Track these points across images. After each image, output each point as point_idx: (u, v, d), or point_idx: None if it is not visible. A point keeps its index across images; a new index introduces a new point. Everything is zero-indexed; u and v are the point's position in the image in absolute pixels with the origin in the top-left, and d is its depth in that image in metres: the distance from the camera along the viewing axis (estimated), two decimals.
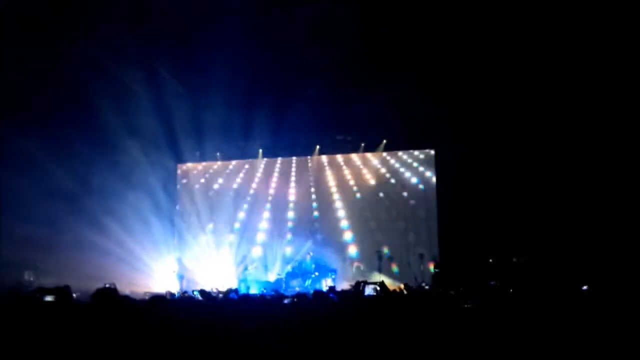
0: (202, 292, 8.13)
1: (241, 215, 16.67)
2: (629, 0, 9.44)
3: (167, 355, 4.57)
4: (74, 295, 5.79)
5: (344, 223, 15.93)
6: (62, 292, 5.54)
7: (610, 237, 10.66)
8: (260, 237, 16.19)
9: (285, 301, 7.24)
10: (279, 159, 16.75)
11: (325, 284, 13.65)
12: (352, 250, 15.56)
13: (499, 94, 12.15)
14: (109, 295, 5.33)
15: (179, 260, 15.04)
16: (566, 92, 11.57)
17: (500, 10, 9.77)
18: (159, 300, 6.20)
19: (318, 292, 7.53)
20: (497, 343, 5.48)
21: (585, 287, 7.92)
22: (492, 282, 9.67)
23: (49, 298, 5.27)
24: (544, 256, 11.10)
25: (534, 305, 6.81)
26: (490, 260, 11.48)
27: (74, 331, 4.46)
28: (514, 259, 11.52)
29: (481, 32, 10.28)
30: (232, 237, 16.31)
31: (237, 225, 16.52)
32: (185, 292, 9.35)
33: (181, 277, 14.48)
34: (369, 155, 16.20)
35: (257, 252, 15.86)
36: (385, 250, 14.98)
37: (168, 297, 11.56)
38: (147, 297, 10.56)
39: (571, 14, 9.82)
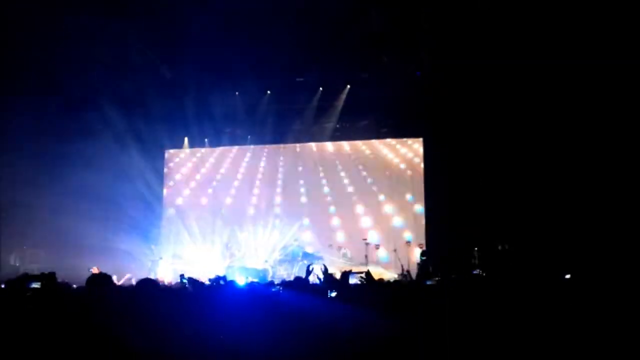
0: (190, 279, 8.15)
1: (228, 200, 16.65)
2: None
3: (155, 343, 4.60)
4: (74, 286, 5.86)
5: (332, 208, 16.00)
6: (48, 278, 5.56)
7: (595, 227, 10.81)
8: (247, 222, 16.20)
9: (273, 289, 7.29)
10: (267, 146, 16.72)
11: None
12: (340, 235, 15.64)
13: (488, 84, 12.21)
14: (104, 282, 5.35)
15: (152, 249, 14.96)
16: (552, 85, 11.66)
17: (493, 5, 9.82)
18: (146, 286, 6.22)
19: (299, 279, 7.59)
20: (481, 332, 5.58)
21: (568, 276, 8.06)
22: (475, 272, 9.78)
23: (35, 285, 5.29)
24: (529, 244, 11.24)
25: (517, 293, 6.92)
26: (476, 249, 11.60)
27: (68, 317, 4.48)
28: (499, 247, 11.65)
29: (471, 24, 10.32)
30: (219, 223, 16.31)
31: (223, 210, 16.52)
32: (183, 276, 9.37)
33: (154, 263, 14.46)
34: (357, 141, 16.23)
35: (244, 237, 15.86)
36: (373, 234, 15.08)
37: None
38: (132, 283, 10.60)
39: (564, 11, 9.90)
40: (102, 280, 5.33)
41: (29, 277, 5.56)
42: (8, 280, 5.68)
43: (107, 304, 4.82)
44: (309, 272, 9.33)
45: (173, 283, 11.80)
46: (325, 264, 13.43)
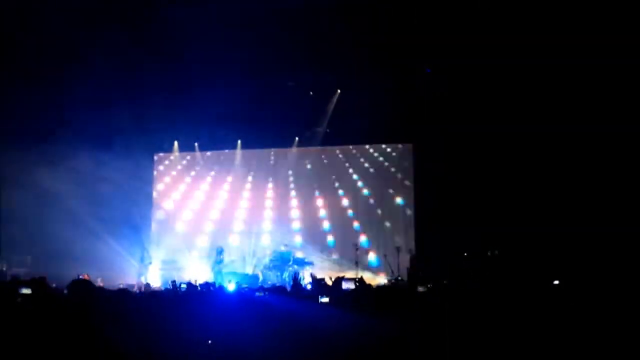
0: (188, 284, 8.20)
1: (219, 204, 16.60)
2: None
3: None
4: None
5: (322, 212, 16.00)
6: (39, 283, 5.52)
7: (583, 234, 10.91)
8: (238, 227, 16.16)
9: (257, 294, 7.30)
10: (257, 150, 16.72)
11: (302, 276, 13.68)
12: (330, 238, 15.64)
13: (478, 90, 12.31)
14: (85, 287, 5.34)
15: (142, 253, 14.83)
16: (540, 87, 11.78)
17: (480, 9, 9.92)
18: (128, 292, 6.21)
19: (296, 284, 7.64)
20: (472, 335, 5.63)
21: (556, 282, 8.15)
22: (464, 277, 9.84)
23: (25, 290, 5.23)
24: (518, 250, 11.32)
25: (506, 298, 6.99)
26: (465, 254, 11.67)
27: (52, 320, 4.46)
28: (488, 253, 11.72)
29: (459, 30, 10.42)
30: (208, 227, 16.25)
31: (213, 214, 16.46)
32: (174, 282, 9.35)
33: (144, 268, 14.36)
34: (348, 146, 16.26)
35: (234, 242, 15.80)
36: (363, 239, 15.10)
37: (142, 289, 11.53)
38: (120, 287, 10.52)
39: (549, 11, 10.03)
40: (84, 286, 5.32)
41: (19, 283, 5.51)
42: None
43: (101, 309, 4.81)
44: (297, 283, 9.35)
45: (163, 288, 11.74)
46: (315, 270, 13.53)
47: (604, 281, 7.45)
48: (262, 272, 14.24)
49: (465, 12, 10.48)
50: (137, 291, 11.11)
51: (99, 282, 11.31)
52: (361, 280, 6.07)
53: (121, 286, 11.33)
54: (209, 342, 5.25)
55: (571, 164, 11.79)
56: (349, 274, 11.18)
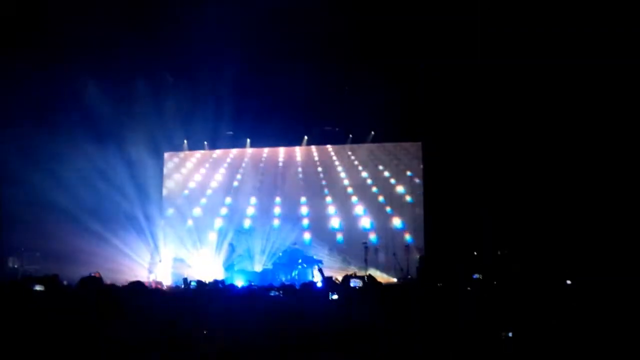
0: (198, 282, 8.25)
1: (227, 201, 16.66)
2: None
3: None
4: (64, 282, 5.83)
5: (331, 210, 16.01)
6: (52, 281, 5.56)
7: (595, 232, 10.85)
8: (247, 224, 16.19)
9: (272, 293, 7.32)
10: (266, 148, 16.76)
11: (312, 275, 13.69)
12: (339, 237, 15.65)
13: (486, 87, 12.27)
14: (95, 284, 5.38)
15: (153, 251, 14.88)
16: (550, 88, 11.73)
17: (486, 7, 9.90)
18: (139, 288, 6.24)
19: (307, 284, 7.66)
20: (482, 334, 5.61)
21: (569, 282, 8.10)
22: (475, 276, 9.83)
23: (38, 287, 5.28)
24: (529, 249, 11.27)
25: (518, 298, 6.97)
26: (475, 253, 11.63)
27: (63, 317, 4.50)
28: (499, 252, 11.69)
29: (467, 28, 10.40)
30: (218, 223, 16.30)
31: (223, 211, 16.51)
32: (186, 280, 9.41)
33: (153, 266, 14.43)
34: (357, 145, 16.27)
35: (243, 239, 15.81)
36: (372, 237, 15.08)
37: (153, 286, 11.61)
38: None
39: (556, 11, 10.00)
40: (93, 283, 5.36)
41: (32, 280, 5.57)
42: (11, 282, 5.67)
43: (110, 305, 4.85)
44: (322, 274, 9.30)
45: (173, 286, 11.82)
46: (324, 268, 13.52)
47: (617, 281, 7.40)
48: (271, 270, 14.26)
49: (469, 10, 10.45)
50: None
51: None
52: (370, 277, 6.08)
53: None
54: (205, 332, 5.27)
55: (581, 162, 11.73)
56: (358, 273, 11.17)
